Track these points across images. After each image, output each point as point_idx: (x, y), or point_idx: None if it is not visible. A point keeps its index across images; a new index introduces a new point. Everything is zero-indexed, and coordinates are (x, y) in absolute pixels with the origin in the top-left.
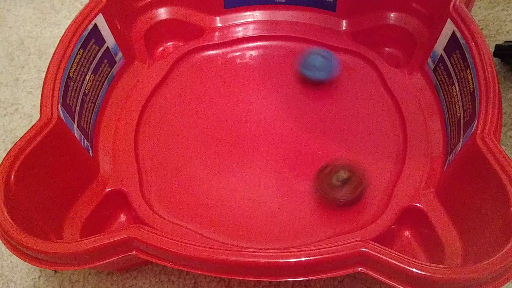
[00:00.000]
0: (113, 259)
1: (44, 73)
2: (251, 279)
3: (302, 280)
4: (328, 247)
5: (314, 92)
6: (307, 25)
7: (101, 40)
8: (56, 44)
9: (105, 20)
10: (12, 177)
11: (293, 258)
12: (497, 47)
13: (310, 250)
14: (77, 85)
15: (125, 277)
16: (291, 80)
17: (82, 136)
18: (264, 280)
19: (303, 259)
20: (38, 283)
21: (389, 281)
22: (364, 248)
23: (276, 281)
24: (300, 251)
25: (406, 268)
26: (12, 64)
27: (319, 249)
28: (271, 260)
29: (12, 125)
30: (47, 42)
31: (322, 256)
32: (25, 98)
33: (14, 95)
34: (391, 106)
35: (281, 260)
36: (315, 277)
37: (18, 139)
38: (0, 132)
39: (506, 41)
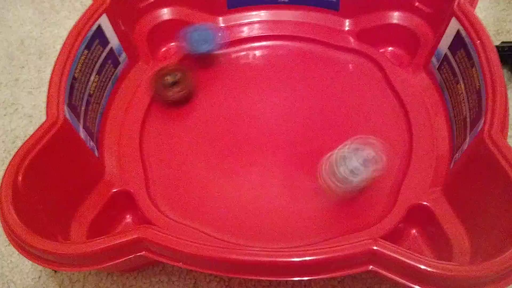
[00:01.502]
0: (123, 259)
1: (44, 73)
2: (261, 278)
3: (306, 280)
4: (339, 246)
5: (319, 91)
6: (310, 25)
7: (105, 41)
8: (56, 44)
9: (109, 20)
10: (20, 178)
11: (306, 257)
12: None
13: (321, 249)
14: (82, 86)
15: (125, 277)
16: (295, 79)
17: (88, 137)
18: (274, 279)
19: (315, 257)
20: (38, 283)
21: (399, 279)
22: (376, 246)
23: (282, 280)
24: (311, 250)
25: (416, 266)
26: (12, 64)
27: (330, 247)
28: (285, 259)
29: (12, 125)
30: (47, 42)
31: (333, 255)
32: (25, 98)
33: (14, 95)
34: (396, 105)
35: (292, 259)
36: (327, 276)
37: (18, 139)
38: (0, 132)
39: (502, 42)
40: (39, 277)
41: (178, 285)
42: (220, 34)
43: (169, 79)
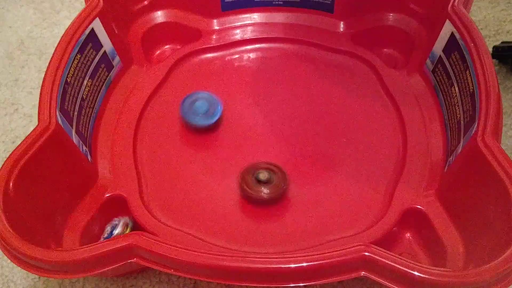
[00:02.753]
0: (114, 266)
1: (44, 73)
2: (254, 285)
3: (303, 286)
4: (331, 252)
5: (313, 94)
6: (305, 27)
7: (98, 45)
8: (56, 44)
9: (102, 24)
10: (11, 184)
11: (296, 264)
12: (495, 48)
13: (313, 255)
14: (75, 90)
15: (125, 277)
16: (289, 82)
17: (81, 141)
18: (267, 286)
19: (305, 264)
20: (38, 283)
21: (392, 285)
22: (367, 252)
23: (280, 286)
24: (303, 256)
25: (408, 272)
26: (12, 64)
27: (321, 254)
28: (275, 266)
29: (12, 125)
30: (47, 42)
31: (325, 261)
32: (25, 98)
33: (14, 95)
34: (390, 108)
35: (283, 266)
36: (318, 282)
37: (18, 139)
38: (0, 132)
39: (503, 42)
40: (39, 277)
41: (178, 285)
42: (221, 105)
43: (263, 176)
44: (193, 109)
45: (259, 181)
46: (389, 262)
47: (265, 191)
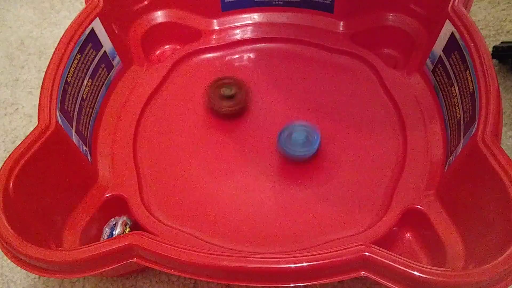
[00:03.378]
0: (114, 266)
1: (44, 73)
2: (254, 285)
3: (303, 285)
4: (331, 252)
5: (313, 94)
6: (305, 27)
7: (98, 45)
8: (56, 44)
9: (102, 24)
10: (11, 184)
11: (296, 264)
12: (495, 48)
13: (313, 255)
14: (75, 90)
15: (125, 277)
16: (289, 82)
17: (81, 141)
18: (267, 286)
19: (305, 264)
20: (38, 283)
21: (392, 285)
22: (367, 252)
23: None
24: (302, 256)
25: (408, 272)
26: (12, 64)
27: (321, 254)
28: (275, 266)
29: (12, 125)
30: (47, 42)
31: (324, 261)
32: (25, 98)
33: (14, 95)
34: (390, 108)
35: (283, 266)
36: (318, 282)
37: (18, 139)
38: (0, 132)
39: (503, 42)
40: (39, 277)
41: (178, 285)
42: (318, 135)
43: (226, 91)
44: (292, 140)
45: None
46: (389, 262)
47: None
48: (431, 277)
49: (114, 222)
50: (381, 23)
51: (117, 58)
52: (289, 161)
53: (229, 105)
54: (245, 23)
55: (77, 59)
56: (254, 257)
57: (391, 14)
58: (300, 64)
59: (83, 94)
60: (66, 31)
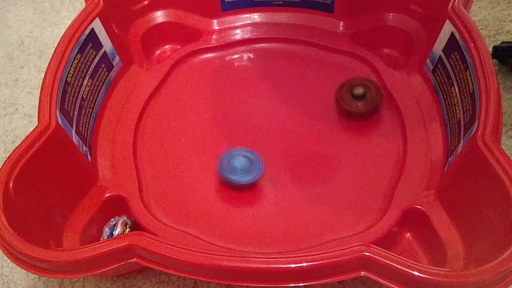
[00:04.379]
0: (114, 266)
1: (44, 73)
2: (254, 284)
3: (303, 286)
4: (331, 252)
5: (313, 94)
6: (305, 27)
7: (98, 45)
8: (56, 44)
9: (102, 24)
10: (11, 184)
11: (296, 264)
12: (495, 48)
13: (313, 255)
14: (75, 90)
15: (125, 277)
16: (289, 82)
17: (81, 141)
18: (267, 286)
19: (305, 264)
20: (38, 283)
21: (392, 285)
22: (367, 252)
23: (280, 286)
24: (302, 256)
25: (408, 272)
26: (12, 64)
27: (321, 254)
28: (275, 266)
29: (12, 125)
30: (47, 42)
31: (324, 261)
32: (25, 98)
33: (14, 95)
34: (390, 108)
35: (283, 266)
36: (318, 282)
37: (18, 139)
38: (0, 132)
39: (503, 42)
40: (39, 277)
41: (178, 285)
42: (261, 163)
43: (360, 91)
44: (231, 166)
45: (355, 96)
46: (389, 262)
47: (360, 105)
48: (431, 277)
49: (114, 222)
50: (381, 23)
51: (117, 58)
52: (289, 161)
53: (362, 104)
54: (245, 23)
55: (77, 59)
56: (254, 257)
57: (391, 14)
58: (300, 64)
59: (83, 94)
60: (66, 31)
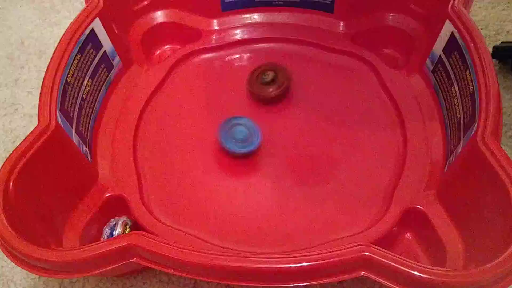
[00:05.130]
0: (114, 266)
1: (44, 73)
2: (254, 284)
3: (303, 286)
4: (331, 252)
5: (313, 94)
6: (305, 27)
7: (98, 45)
8: (56, 44)
9: (102, 24)
10: (11, 184)
11: (296, 264)
12: (495, 48)
13: (312, 255)
14: (75, 90)
15: (125, 277)
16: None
17: (81, 141)
18: (267, 286)
19: (305, 264)
20: (38, 283)
21: (392, 285)
22: (367, 252)
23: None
24: (302, 256)
25: (408, 272)
26: (12, 64)
27: (321, 254)
28: (275, 266)
29: (12, 125)
30: (47, 42)
31: (324, 261)
32: (25, 98)
33: (14, 95)
34: (390, 108)
35: (283, 266)
36: (318, 282)
37: (18, 139)
38: (0, 132)
39: (503, 42)
40: (39, 277)
41: (178, 285)
42: (260, 133)
43: (268, 76)
44: (231, 134)
45: (265, 82)
46: (389, 262)
47: (270, 90)
48: (431, 277)
49: (114, 222)
50: (381, 23)
51: (117, 58)
52: (289, 161)
53: (273, 89)
54: (245, 23)
55: (77, 59)
56: (254, 257)
57: (391, 14)
58: (300, 64)
59: (83, 94)
60: (66, 31)
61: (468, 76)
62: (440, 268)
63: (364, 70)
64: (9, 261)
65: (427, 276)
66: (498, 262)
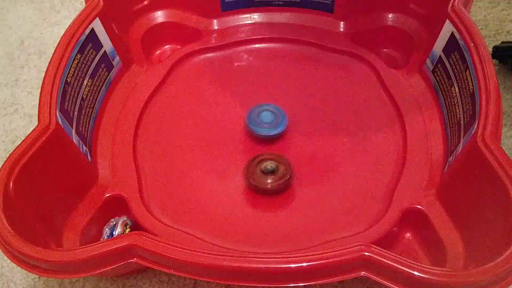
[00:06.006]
0: (114, 266)
1: (44, 73)
2: (254, 284)
3: (303, 286)
4: (330, 252)
5: (313, 94)
6: (305, 27)
7: (98, 45)
8: (56, 44)
9: (102, 24)
10: (11, 184)
11: (296, 264)
12: (495, 48)
13: (312, 255)
14: (75, 90)
15: (125, 277)
16: (289, 82)
17: (81, 141)
18: (267, 286)
19: (305, 264)
20: (38, 283)
21: (392, 285)
22: (367, 252)
23: (280, 286)
24: (302, 256)
25: (409, 272)
26: (12, 64)
27: (321, 253)
28: (275, 266)
29: (12, 125)
30: (47, 42)
31: (324, 261)
32: (25, 98)
33: (14, 95)
34: (390, 108)
35: (283, 266)
36: (318, 282)
37: (18, 139)
38: (0, 132)
39: (502, 42)
40: (39, 277)
41: (178, 285)
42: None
43: (269, 166)
44: (259, 119)
45: (265, 172)
46: (389, 262)
47: (269, 181)
48: (431, 277)
49: (114, 223)
50: (381, 23)
51: (117, 58)
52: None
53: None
54: (245, 23)
55: (77, 59)
56: (254, 257)
57: (391, 14)
58: (300, 64)
59: (83, 94)
60: (66, 31)
61: (468, 76)
62: (440, 268)
63: (364, 70)
64: (9, 261)
65: (427, 276)
66: (498, 262)
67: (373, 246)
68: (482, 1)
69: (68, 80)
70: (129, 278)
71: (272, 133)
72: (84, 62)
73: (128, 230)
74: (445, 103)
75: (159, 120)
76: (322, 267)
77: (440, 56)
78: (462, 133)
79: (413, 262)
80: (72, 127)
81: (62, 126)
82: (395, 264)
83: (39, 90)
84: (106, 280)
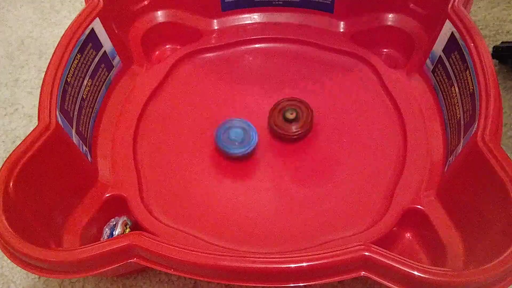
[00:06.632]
0: (114, 266)
1: (44, 73)
2: (254, 284)
3: (303, 286)
4: (330, 252)
5: (313, 94)
6: (305, 27)
7: (98, 45)
8: (56, 44)
9: (102, 24)
10: (11, 185)
11: (296, 264)
12: (495, 48)
13: (312, 255)
14: (75, 90)
15: (125, 277)
16: (289, 82)
17: (81, 141)
18: (267, 286)
19: (305, 264)
20: (38, 283)
21: (392, 285)
22: (367, 252)
23: (280, 286)
24: (302, 256)
25: (409, 272)
26: (12, 64)
27: (321, 253)
28: (275, 266)
29: (12, 125)
30: (47, 42)
31: (324, 261)
32: (25, 98)
33: (14, 95)
34: (390, 108)
35: (283, 266)
36: (318, 282)
37: (18, 139)
38: (0, 132)
39: (502, 42)
40: (39, 277)
41: (178, 285)
42: (256, 134)
43: (290, 115)
44: (228, 137)
45: (287, 120)
46: (389, 262)
47: (293, 129)
48: (431, 277)
49: (114, 223)
50: (381, 23)
51: (117, 58)
52: (289, 161)
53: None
54: (245, 23)
55: (77, 59)
56: (254, 257)
57: (391, 14)
58: (300, 64)
59: (83, 94)
60: (66, 31)
61: (468, 76)
62: (440, 268)
63: (364, 70)
64: (9, 261)
65: (427, 276)
66: (498, 262)
67: (373, 246)
68: (482, 1)
69: (68, 80)
70: (129, 278)
71: (241, 151)
72: (84, 62)
73: (128, 230)
74: (445, 103)
75: (159, 120)
76: (322, 267)
77: (440, 56)
78: (462, 133)
79: (413, 262)
80: (72, 127)
81: (62, 126)
82: (395, 264)
83: (39, 90)
84: (106, 280)
